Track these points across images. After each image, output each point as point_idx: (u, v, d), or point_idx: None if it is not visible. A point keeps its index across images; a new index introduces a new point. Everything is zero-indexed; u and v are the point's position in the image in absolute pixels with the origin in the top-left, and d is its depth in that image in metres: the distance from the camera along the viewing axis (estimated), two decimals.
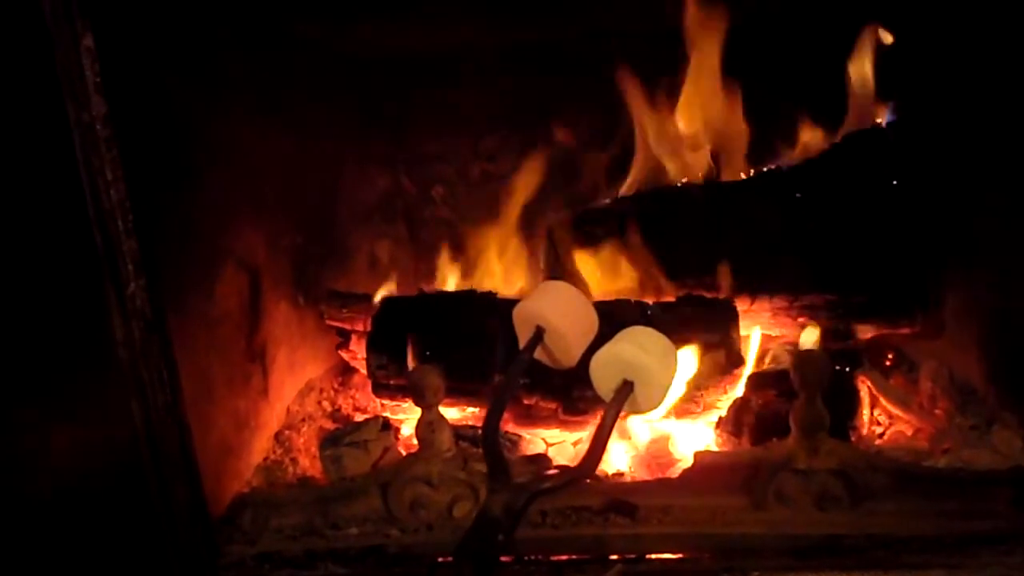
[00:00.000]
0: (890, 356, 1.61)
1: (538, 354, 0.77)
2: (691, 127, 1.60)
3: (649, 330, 0.70)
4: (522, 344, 0.76)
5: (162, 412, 1.15)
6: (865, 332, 1.55)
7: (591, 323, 0.76)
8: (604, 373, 0.72)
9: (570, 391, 1.40)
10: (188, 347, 1.25)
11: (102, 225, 1.08)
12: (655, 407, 0.72)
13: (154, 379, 1.13)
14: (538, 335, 0.76)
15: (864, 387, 1.47)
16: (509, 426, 1.45)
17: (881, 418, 1.48)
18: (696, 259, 1.54)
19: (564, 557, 1.19)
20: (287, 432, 1.56)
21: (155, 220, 1.15)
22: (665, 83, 1.59)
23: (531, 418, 1.44)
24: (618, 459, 1.42)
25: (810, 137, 1.60)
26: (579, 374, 1.30)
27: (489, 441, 0.76)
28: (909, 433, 1.44)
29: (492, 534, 0.72)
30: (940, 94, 1.45)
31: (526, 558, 1.20)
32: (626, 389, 0.70)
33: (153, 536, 1.19)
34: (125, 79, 1.09)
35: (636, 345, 0.70)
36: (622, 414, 0.71)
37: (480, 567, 0.77)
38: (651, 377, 0.70)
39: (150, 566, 1.20)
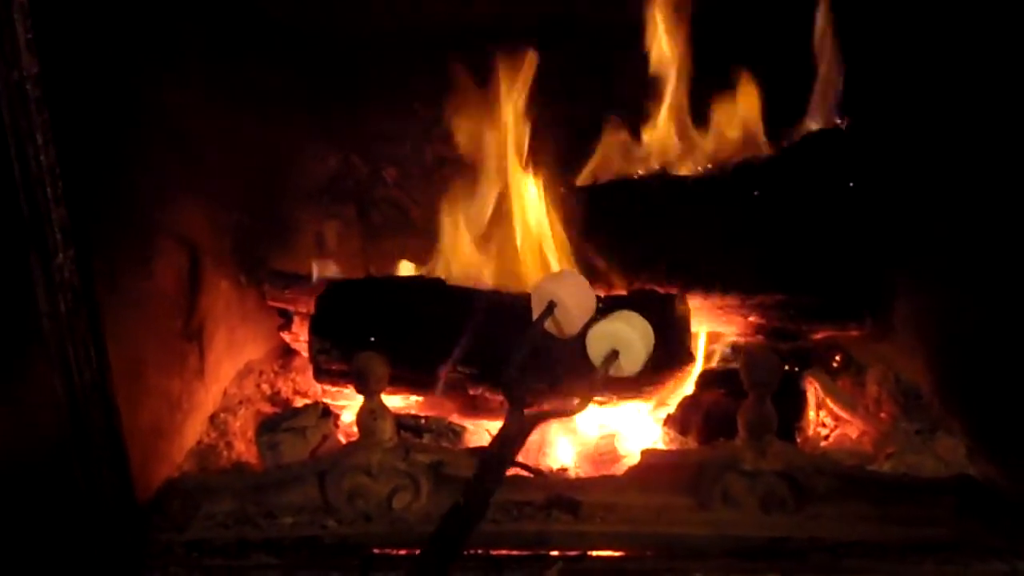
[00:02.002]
0: (838, 358, 1.61)
1: (548, 325, 0.96)
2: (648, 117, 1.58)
3: (634, 313, 0.92)
4: (535, 316, 0.96)
5: (88, 390, 1.11)
6: (814, 333, 1.55)
7: (591, 304, 0.97)
8: (597, 343, 0.92)
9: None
10: (119, 323, 1.20)
11: (29, 192, 1.03)
12: (634, 372, 0.93)
13: (80, 355, 1.09)
14: (550, 308, 0.94)
15: (811, 388, 1.47)
16: (453, 417, 1.42)
17: (827, 420, 1.48)
18: (649, 253, 1.53)
19: (504, 552, 1.17)
20: (223, 415, 1.51)
21: (88, 189, 1.11)
22: (625, 73, 1.56)
23: (476, 409, 1.41)
24: (563, 454, 1.40)
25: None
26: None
27: (508, 378, 0.93)
28: (854, 436, 1.44)
29: (466, 521, 0.82)
30: (896, 99, 1.45)
31: (466, 552, 1.17)
32: (613, 356, 0.91)
33: (76, 521, 1.14)
34: (60, 37, 1.04)
35: (625, 323, 0.91)
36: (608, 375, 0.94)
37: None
38: (633, 349, 0.91)
39: (73, 552, 1.15)
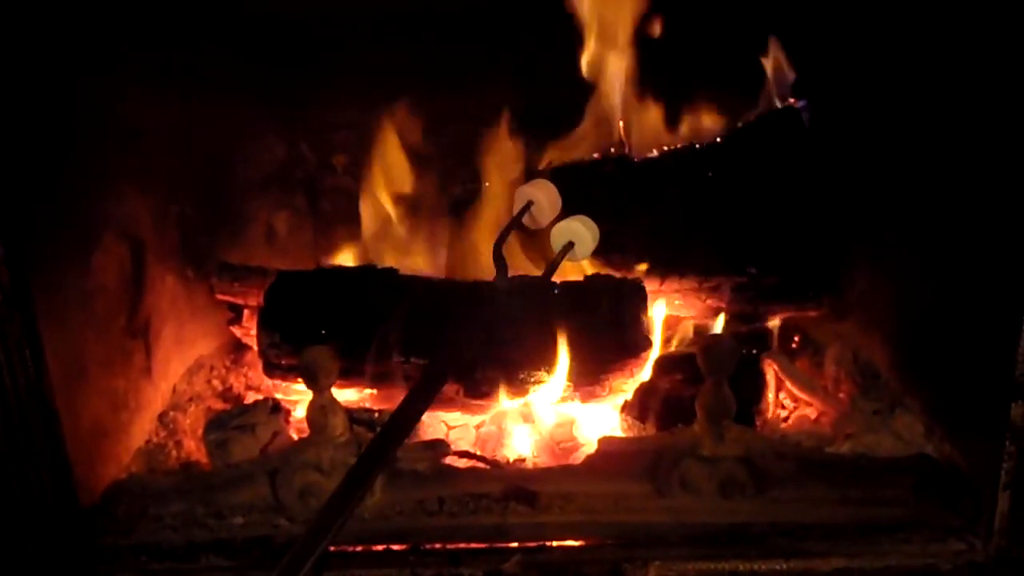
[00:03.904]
0: (796, 339, 1.61)
1: (524, 220, 1.17)
2: (603, 100, 1.56)
3: (586, 218, 1.14)
4: (515, 211, 1.17)
5: (24, 395, 1.06)
6: (773, 315, 1.54)
7: (558, 206, 1.19)
8: (559, 236, 1.13)
9: (472, 373, 1.34)
10: (58, 323, 1.16)
11: None
12: (584, 258, 1.16)
13: (14, 358, 1.04)
14: (527, 205, 1.16)
15: (770, 370, 1.46)
16: None
17: (786, 401, 1.47)
18: (606, 237, 1.50)
19: (462, 545, 1.15)
20: (172, 413, 1.47)
21: (18, 183, 1.06)
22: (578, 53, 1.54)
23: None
24: (521, 444, 1.38)
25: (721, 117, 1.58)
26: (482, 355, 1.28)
27: (496, 249, 1.11)
28: (813, 417, 1.43)
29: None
30: (852, 79, 1.44)
31: (423, 547, 1.15)
32: (569, 246, 1.13)
33: (16, 529, 1.09)
34: None
35: (580, 223, 1.13)
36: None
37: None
38: (585, 241, 1.13)
39: (15, 560, 1.11)
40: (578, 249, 1.13)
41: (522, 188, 1.19)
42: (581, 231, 1.12)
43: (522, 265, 1.47)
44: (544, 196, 1.17)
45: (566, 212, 1.25)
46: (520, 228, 1.20)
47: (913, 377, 1.39)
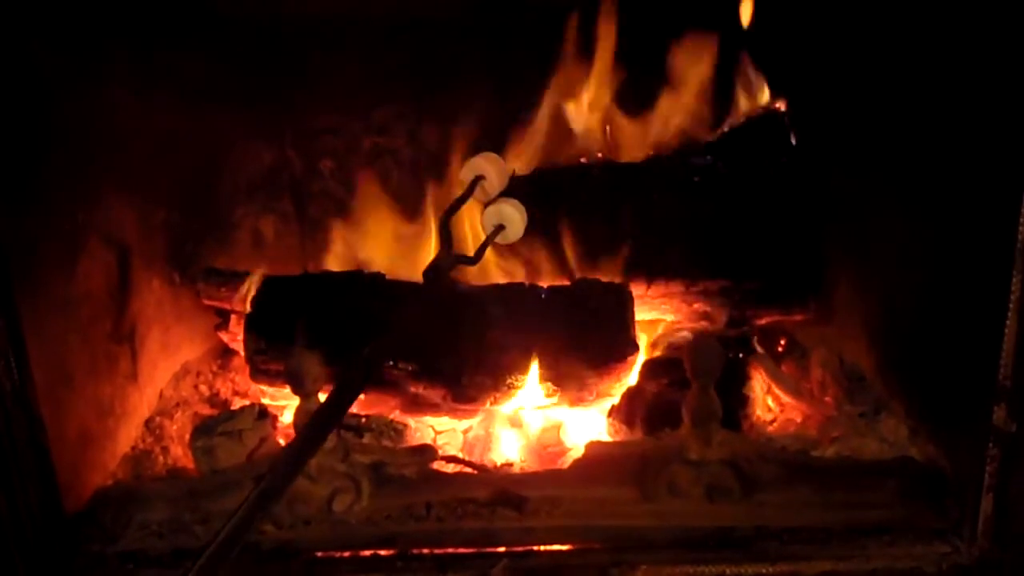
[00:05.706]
0: (782, 342, 1.62)
1: (476, 194, 1.16)
2: (590, 106, 1.56)
3: (516, 200, 1.15)
4: (465, 185, 1.17)
5: (9, 401, 1.06)
6: (759, 318, 1.55)
7: (507, 179, 1.19)
8: (489, 218, 1.15)
9: (459, 377, 1.35)
10: (42, 329, 1.16)
11: None
12: (515, 240, 1.17)
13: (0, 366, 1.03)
14: (478, 179, 1.16)
15: (756, 374, 1.46)
16: (395, 414, 1.39)
17: (772, 405, 1.47)
18: (592, 242, 1.51)
19: (449, 551, 1.15)
20: (159, 419, 1.47)
21: (2, 188, 1.07)
22: (564, 58, 1.54)
23: (419, 406, 1.38)
24: (508, 449, 1.38)
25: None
26: (469, 361, 1.30)
27: (443, 222, 1.13)
28: (799, 420, 1.44)
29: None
30: (835, 83, 1.45)
31: (410, 552, 1.15)
32: (500, 228, 1.15)
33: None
34: None
35: (510, 205, 1.15)
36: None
37: None
38: (515, 224, 1.15)
39: None
40: (509, 231, 1.14)
41: (471, 161, 1.18)
42: (511, 213, 1.13)
43: None
44: (493, 169, 1.16)
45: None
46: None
47: (898, 380, 1.40)
